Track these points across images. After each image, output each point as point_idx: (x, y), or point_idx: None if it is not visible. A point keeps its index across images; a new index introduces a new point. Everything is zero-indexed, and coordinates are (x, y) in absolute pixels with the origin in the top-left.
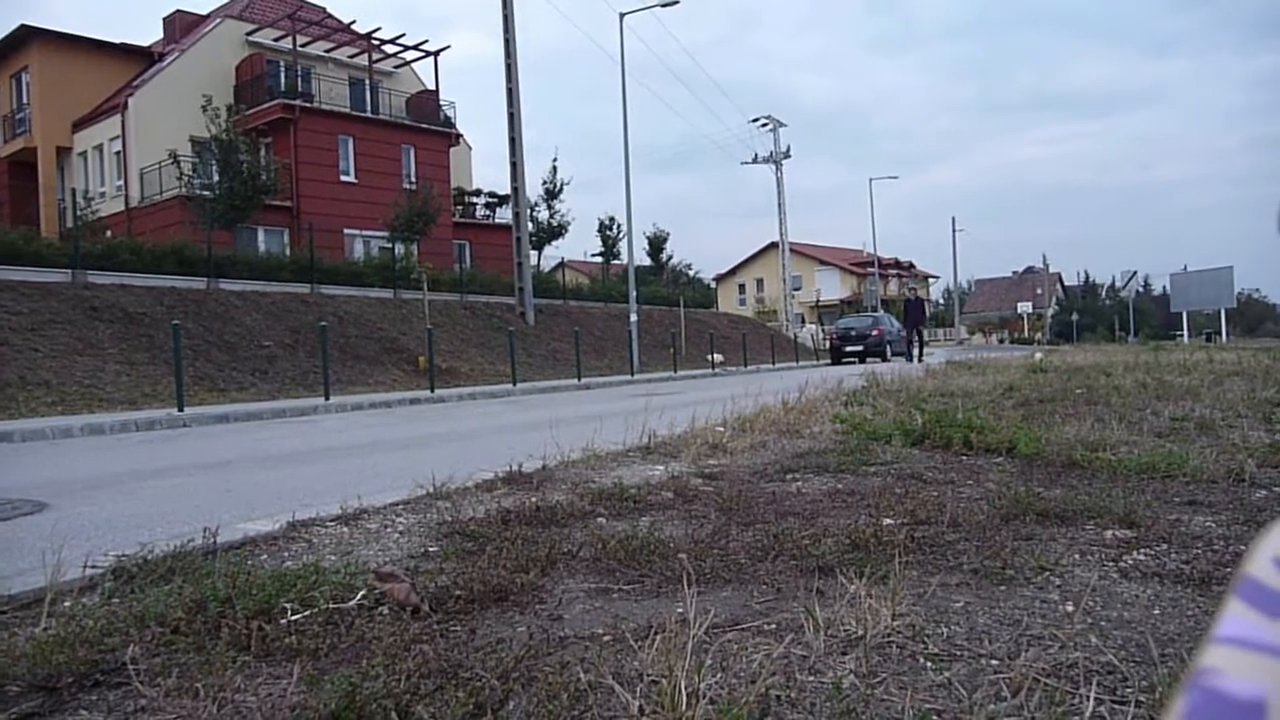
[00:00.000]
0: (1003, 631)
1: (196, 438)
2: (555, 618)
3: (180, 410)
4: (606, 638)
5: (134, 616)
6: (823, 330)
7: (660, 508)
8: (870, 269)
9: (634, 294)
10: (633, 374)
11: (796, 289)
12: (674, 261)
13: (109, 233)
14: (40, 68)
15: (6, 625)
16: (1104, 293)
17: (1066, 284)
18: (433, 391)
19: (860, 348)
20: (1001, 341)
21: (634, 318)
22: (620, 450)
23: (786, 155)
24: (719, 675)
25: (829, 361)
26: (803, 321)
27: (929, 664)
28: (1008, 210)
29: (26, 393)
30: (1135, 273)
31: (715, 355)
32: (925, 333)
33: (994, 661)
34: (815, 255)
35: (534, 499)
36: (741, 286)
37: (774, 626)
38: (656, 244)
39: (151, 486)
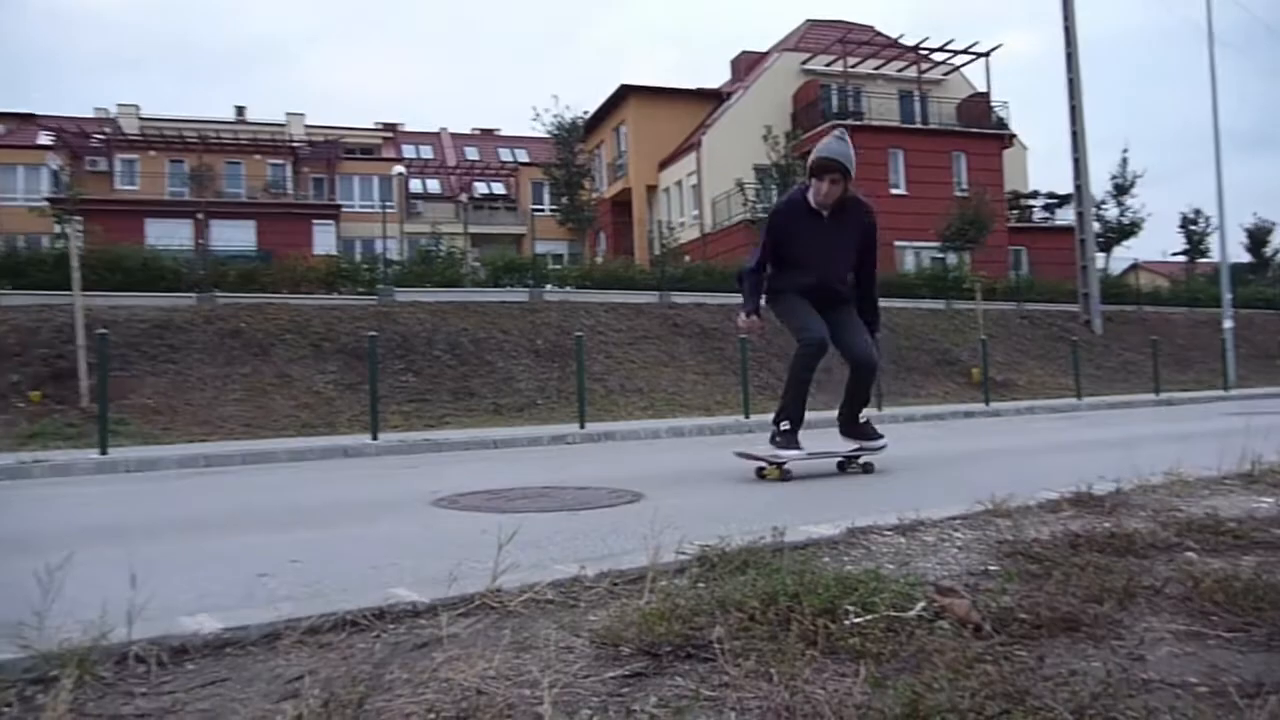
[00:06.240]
0: None
1: (761, 442)
2: (1136, 657)
3: (746, 417)
4: (1201, 689)
5: (716, 601)
6: None
7: (1270, 546)
8: None
9: (1228, 296)
10: (1226, 388)
11: None
12: None
13: (687, 257)
14: (634, 119)
15: (617, 596)
16: None
17: None
18: (987, 404)
19: None
20: None
21: (1228, 324)
22: (1213, 476)
23: None
24: None
25: None
26: None
27: None
28: None
29: (625, 398)
30: None
31: None
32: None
33: None
34: None
35: (1106, 524)
36: None
37: None
38: (1257, 237)
39: (727, 487)
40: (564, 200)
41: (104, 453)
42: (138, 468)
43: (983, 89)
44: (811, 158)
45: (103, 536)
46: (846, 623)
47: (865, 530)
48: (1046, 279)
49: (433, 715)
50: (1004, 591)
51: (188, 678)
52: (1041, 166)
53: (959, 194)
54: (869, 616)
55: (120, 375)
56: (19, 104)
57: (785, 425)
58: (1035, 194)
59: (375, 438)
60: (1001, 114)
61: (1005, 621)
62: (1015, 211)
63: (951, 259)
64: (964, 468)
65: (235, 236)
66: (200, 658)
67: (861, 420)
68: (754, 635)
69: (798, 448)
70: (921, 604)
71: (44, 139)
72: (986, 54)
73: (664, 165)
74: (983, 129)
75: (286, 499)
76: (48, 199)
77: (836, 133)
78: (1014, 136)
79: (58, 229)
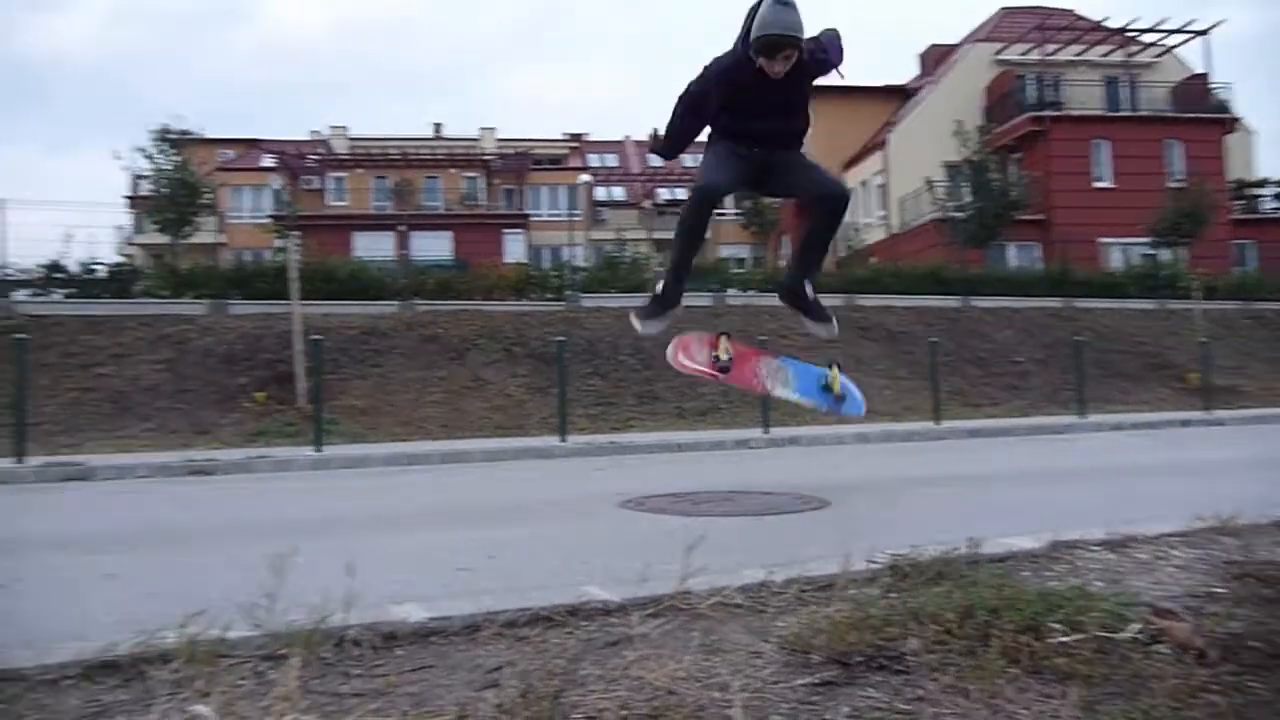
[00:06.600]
0: None
1: (951, 450)
2: None
3: (937, 423)
4: None
5: (910, 612)
6: None
7: None
8: None
9: None
10: None
11: None
12: None
13: (873, 259)
14: (817, 119)
15: (806, 603)
16: None
17: None
18: (1208, 412)
19: None
20: None
21: None
22: None
23: None
24: None
25: None
26: None
27: None
28: None
29: None
30: None
31: None
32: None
33: None
34: None
35: None
36: None
37: None
38: None
39: (912, 493)
40: (747, 204)
41: (319, 450)
42: (349, 464)
43: (1201, 70)
44: (756, 34)
45: (321, 528)
46: (1052, 641)
47: (1070, 544)
48: (1278, 275)
49: (625, 712)
50: (1232, 616)
51: (397, 662)
52: (1272, 152)
53: (1173, 185)
54: (1077, 636)
55: (332, 379)
56: (245, 131)
57: (658, 289)
58: (1264, 182)
59: (564, 440)
60: (1223, 96)
61: (1234, 649)
62: (1240, 202)
63: (1165, 255)
64: (1180, 479)
65: (433, 247)
66: (408, 644)
67: (810, 296)
68: (950, 649)
69: (655, 320)
70: (1136, 625)
71: (267, 162)
72: (1205, 32)
73: (849, 165)
74: (1201, 113)
75: (482, 497)
76: (271, 216)
77: None
78: (1238, 120)
79: (278, 244)
